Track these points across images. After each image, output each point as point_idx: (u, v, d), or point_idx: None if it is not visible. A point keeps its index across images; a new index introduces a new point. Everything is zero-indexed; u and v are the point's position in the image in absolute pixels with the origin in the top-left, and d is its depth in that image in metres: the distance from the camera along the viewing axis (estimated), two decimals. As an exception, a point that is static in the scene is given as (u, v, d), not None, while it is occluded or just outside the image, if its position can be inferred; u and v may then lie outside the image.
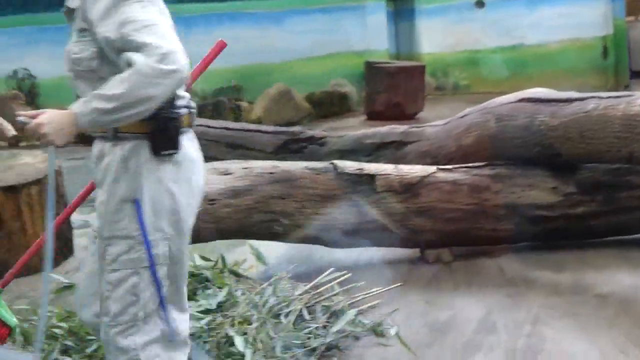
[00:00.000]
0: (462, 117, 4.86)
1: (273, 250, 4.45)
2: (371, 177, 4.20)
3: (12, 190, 4.43)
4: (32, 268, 4.50)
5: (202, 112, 10.18)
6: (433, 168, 4.35)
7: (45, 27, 12.72)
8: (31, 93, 12.35)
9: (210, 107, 10.28)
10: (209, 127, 6.70)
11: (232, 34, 12.22)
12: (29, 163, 4.75)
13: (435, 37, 14.14)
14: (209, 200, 3.95)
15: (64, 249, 4.79)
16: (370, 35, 12.17)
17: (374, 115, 10.67)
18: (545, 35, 13.59)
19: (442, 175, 4.30)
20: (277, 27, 12.10)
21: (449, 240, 4.33)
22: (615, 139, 3.97)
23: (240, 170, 4.14)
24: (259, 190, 4.07)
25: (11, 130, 5.93)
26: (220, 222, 4.00)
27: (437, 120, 5.66)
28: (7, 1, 12.69)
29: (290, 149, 6.02)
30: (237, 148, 6.33)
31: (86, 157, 8.65)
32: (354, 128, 9.62)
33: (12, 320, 3.08)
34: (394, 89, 10.50)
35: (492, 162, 4.42)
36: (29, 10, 12.77)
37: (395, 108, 10.51)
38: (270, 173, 4.16)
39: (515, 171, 4.34)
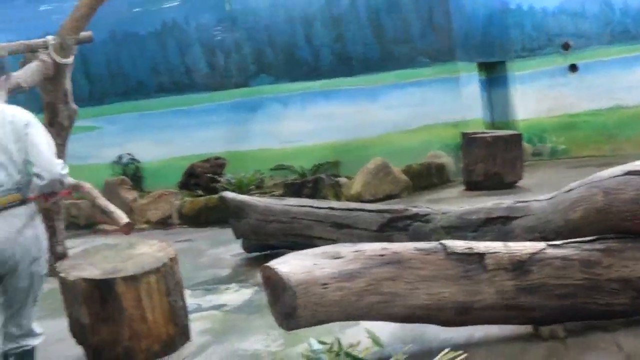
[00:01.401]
0: (567, 191, 4.86)
1: (385, 330, 4.50)
2: (481, 256, 4.23)
3: (133, 279, 4.61)
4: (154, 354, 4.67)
5: (301, 189, 10.36)
6: (542, 244, 4.36)
7: (146, 114, 13.22)
8: (136, 177, 12.76)
9: (310, 184, 10.42)
10: (314, 207, 6.85)
11: (327, 111, 12.49)
12: (147, 252, 4.94)
13: (530, 103, 14.16)
14: (321, 284, 4.03)
15: (181, 334, 4.93)
16: (465, 106, 12.25)
17: (473, 185, 10.68)
18: (643, 96, 13.45)
19: (551, 251, 4.30)
20: (372, 103, 12.30)
21: (562, 316, 4.31)
22: None
23: (351, 254, 4.22)
24: (370, 273, 4.13)
25: (124, 218, 6.16)
26: (334, 305, 4.06)
27: (540, 194, 5.68)
28: (111, 90, 13.24)
29: (395, 226, 6.10)
30: (342, 227, 6.44)
31: (193, 239, 8.85)
32: (454, 199, 9.66)
33: None
34: (492, 158, 10.50)
35: (602, 236, 4.40)
36: (130, 98, 13.28)
37: (494, 177, 10.51)
38: (381, 255, 4.22)
39: (626, 244, 4.31)
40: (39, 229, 4.19)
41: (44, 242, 4.21)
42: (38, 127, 4.19)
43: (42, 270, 4.20)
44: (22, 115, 4.18)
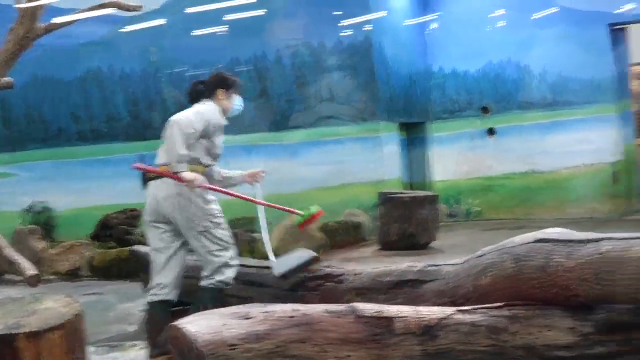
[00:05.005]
0: (479, 256, 4.90)
1: (292, 393, 4.43)
2: (389, 320, 4.22)
3: (35, 335, 4.46)
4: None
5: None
6: (451, 309, 4.38)
7: (65, 161, 13.00)
8: (48, 226, 12.47)
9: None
10: (226, 264, 6.74)
11: (247, 165, 12.36)
12: (52, 307, 4.79)
13: (448, 165, 14.40)
14: (228, 345, 3.97)
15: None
16: (384, 165, 12.37)
17: (387, 245, 10.76)
18: (556, 162, 13.80)
19: (460, 316, 4.32)
20: (292, 159, 12.33)
21: (468, 382, 4.32)
22: (630, 280, 4.00)
23: (261, 314, 4.17)
24: (278, 334, 4.09)
25: (30, 269, 6.01)
26: (241, 367, 4.00)
27: (453, 256, 5.73)
28: (28, 136, 13.00)
29: (307, 286, 6.07)
30: (254, 285, 6.39)
31: (103, 292, 8.66)
32: (368, 259, 9.70)
33: None
34: (407, 219, 10.60)
35: (510, 302, 4.45)
36: (48, 145, 13.06)
37: (408, 238, 10.60)
38: (290, 317, 4.18)
39: (533, 312, 4.35)
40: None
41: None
42: (171, 126, 5.82)
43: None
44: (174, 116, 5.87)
